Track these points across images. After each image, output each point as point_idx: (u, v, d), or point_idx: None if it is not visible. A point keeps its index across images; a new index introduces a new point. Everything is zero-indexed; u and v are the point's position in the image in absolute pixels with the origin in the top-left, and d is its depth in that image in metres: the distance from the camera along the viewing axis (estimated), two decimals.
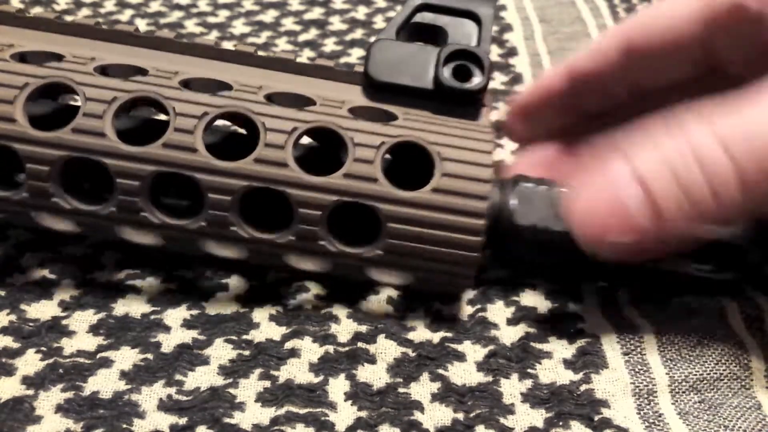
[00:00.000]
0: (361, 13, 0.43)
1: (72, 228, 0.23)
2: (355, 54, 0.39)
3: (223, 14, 0.42)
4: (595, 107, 0.26)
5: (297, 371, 0.22)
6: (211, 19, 0.42)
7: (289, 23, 0.42)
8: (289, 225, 0.22)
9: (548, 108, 0.26)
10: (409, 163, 0.23)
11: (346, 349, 0.23)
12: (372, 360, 0.22)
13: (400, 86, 0.23)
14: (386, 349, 0.23)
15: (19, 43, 0.23)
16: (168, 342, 0.23)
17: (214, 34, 0.40)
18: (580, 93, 0.25)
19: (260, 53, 0.24)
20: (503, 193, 0.23)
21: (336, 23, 0.42)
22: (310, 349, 0.23)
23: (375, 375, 0.22)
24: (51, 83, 0.22)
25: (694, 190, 0.18)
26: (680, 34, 0.23)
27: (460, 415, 0.21)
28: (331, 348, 0.23)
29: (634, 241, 0.19)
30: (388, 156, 0.22)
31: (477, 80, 0.23)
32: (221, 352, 0.22)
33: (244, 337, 0.23)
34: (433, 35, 0.24)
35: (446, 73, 0.23)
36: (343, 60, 0.38)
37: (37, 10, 0.41)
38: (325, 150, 0.24)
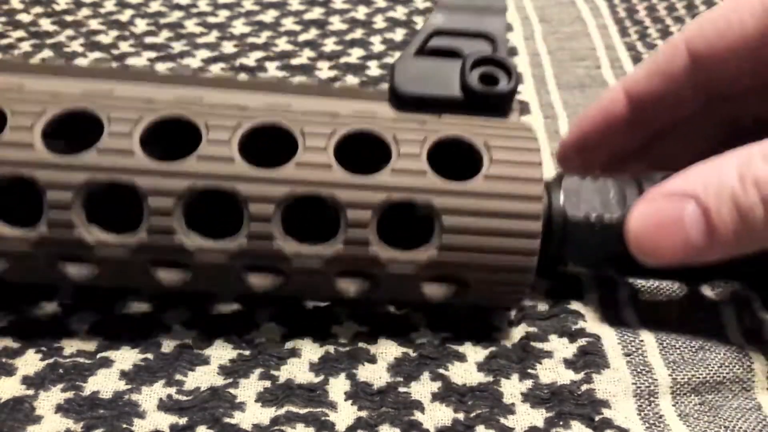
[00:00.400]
0: (361, 13, 0.43)
1: (93, 273, 0.21)
2: (355, 54, 0.39)
3: (223, 14, 0.42)
4: (661, 125, 0.25)
5: (297, 371, 0.22)
6: (211, 19, 0.42)
7: (289, 23, 0.42)
8: (334, 234, 0.20)
9: (608, 135, 0.25)
10: (452, 170, 0.21)
11: (347, 348, 0.23)
12: (372, 360, 0.22)
13: (428, 97, 0.23)
14: (387, 349, 0.23)
15: (30, 87, 0.22)
16: (168, 342, 0.23)
17: (214, 34, 0.40)
18: (644, 114, 0.25)
19: (281, 80, 0.24)
20: (549, 193, 0.23)
21: (336, 23, 0.42)
22: (310, 349, 0.23)
23: (375, 374, 0.22)
24: (71, 110, 0.21)
25: (749, 214, 0.19)
26: (746, 39, 0.22)
27: (461, 415, 0.21)
28: (331, 348, 0.23)
29: (685, 255, 0.20)
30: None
31: (506, 84, 0.22)
32: (221, 351, 0.22)
33: (245, 336, 0.23)
34: (450, 57, 0.24)
35: (473, 79, 0.22)
36: (343, 60, 0.38)
37: (36, 10, 0.41)
38: (362, 161, 0.22)
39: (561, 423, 0.21)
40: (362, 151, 0.21)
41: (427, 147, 0.21)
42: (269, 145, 0.21)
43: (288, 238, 0.20)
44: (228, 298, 0.24)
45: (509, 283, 0.21)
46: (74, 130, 0.21)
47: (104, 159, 0.20)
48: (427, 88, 0.23)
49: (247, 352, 0.22)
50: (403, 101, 0.23)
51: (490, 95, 0.22)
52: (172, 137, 0.21)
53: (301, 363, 0.22)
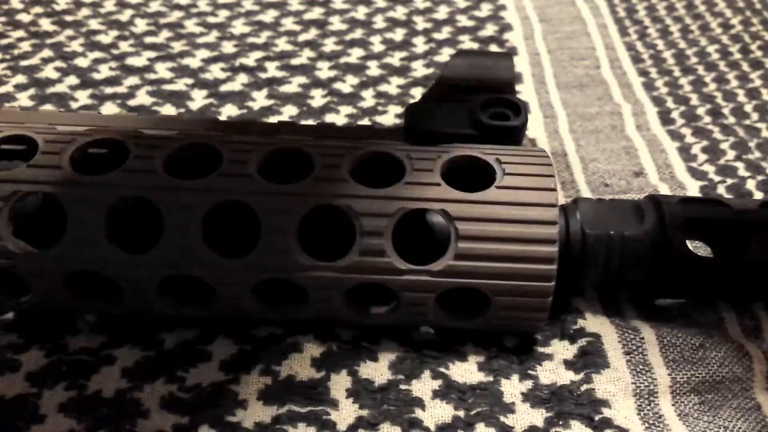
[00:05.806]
0: (361, 13, 0.43)
1: (110, 306, 0.22)
2: (355, 54, 0.39)
3: (223, 14, 0.42)
4: None
5: (299, 366, 0.22)
6: (211, 19, 0.42)
7: (289, 23, 0.42)
8: (350, 246, 0.20)
9: None
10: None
11: (349, 346, 0.23)
12: (374, 357, 0.22)
13: (441, 133, 0.23)
14: (388, 347, 0.23)
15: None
16: (170, 339, 0.23)
17: (214, 34, 0.40)
18: None
19: (301, 124, 0.25)
20: (566, 212, 0.23)
21: (336, 23, 0.42)
22: (312, 345, 0.23)
23: (377, 371, 0.22)
24: (98, 139, 0.22)
25: None
26: None
27: (461, 413, 0.21)
28: (333, 345, 0.23)
29: None
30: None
31: (516, 118, 0.23)
32: (222, 348, 0.22)
33: (247, 332, 0.23)
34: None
35: (484, 117, 0.23)
36: (342, 60, 0.38)
37: (36, 10, 0.41)
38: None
39: (561, 423, 0.21)
40: (382, 178, 0.21)
41: (440, 163, 0.21)
42: (293, 172, 0.21)
43: (302, 252, 0.20)
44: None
45: (529, 294, 0.21)
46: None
47: (126, 177, 0.21)
48: (439, 125, 0.23)
49: (248, 347, 0.22)
50: (417, 138, 0.23)
51: (501, 128, 0.23)
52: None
53: (303, 359, 0.22)
